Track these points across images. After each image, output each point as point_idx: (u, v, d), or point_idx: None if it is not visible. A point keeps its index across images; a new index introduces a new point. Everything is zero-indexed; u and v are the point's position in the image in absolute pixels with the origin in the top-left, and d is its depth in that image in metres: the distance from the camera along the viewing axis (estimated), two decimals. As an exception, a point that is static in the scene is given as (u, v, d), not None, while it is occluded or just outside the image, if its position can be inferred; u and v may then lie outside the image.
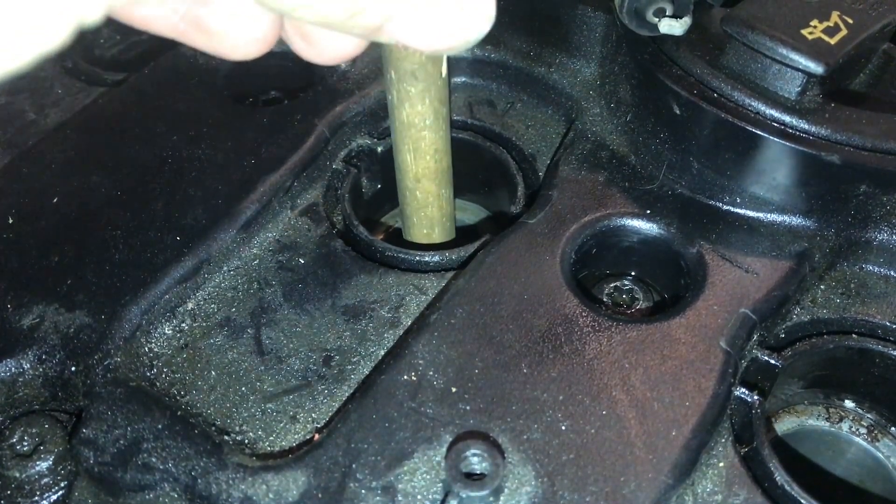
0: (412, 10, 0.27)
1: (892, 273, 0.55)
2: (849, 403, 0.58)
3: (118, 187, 0.56)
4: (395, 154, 0.56)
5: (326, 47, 0.32)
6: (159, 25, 0.29)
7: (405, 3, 0.27)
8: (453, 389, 0.45)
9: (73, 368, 0.47)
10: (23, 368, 0.48)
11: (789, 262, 0.53)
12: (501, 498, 0.41)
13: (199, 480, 0.42)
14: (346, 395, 0.48)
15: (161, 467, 0.43)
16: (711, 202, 0.56)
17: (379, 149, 0.63)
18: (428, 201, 0.57)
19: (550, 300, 0.50)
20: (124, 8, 0.28)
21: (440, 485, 0.41)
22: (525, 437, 0.43)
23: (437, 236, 0.60)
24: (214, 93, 0.63)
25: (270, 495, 0.41)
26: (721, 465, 0.45)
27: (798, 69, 0.51)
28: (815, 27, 0.52)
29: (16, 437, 0.45)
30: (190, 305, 0.52)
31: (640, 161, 0.59)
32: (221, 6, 0.29)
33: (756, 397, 0.48)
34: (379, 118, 0.64)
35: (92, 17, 0.22)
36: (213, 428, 0.46)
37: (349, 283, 0.53)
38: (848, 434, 0.57)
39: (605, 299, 0.57)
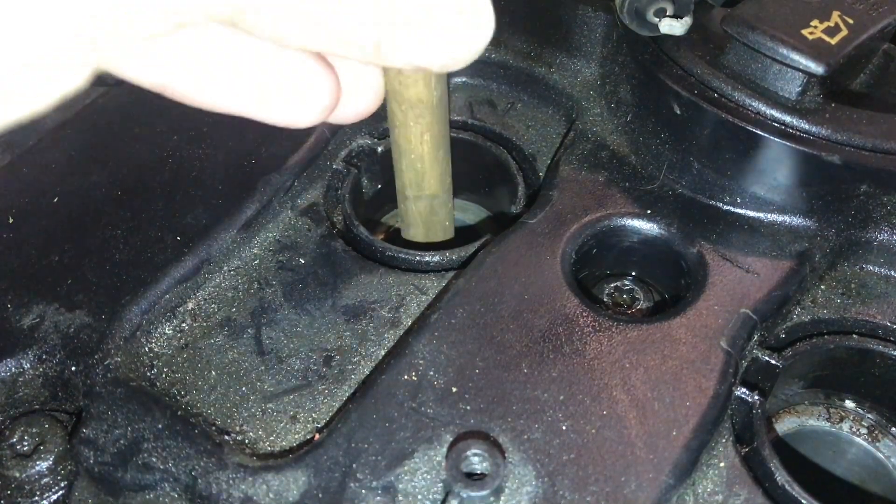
0: (404, 28, 0.25)
1: (892, 273, 0.55)
2: (849, 403, 0.58)
3: (118, 187, 0.56)
4: (405, 96, 0.52)
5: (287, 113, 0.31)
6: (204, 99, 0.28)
7: (395, 23, 0.25)
8: (454, 389, 0.45)
9: (73, 368, 0.47)
10: (23, 368, 0.48)
11: (790, 262, 0.53)
12: (502, 498, 0.41)
13: (200, 480, 0.42)
14: (347, 395, 0.48)
15: (161, 467, 0.43)
16: (712, 202, 0.56)
17: (379, 149, 0.63)
18: (444, 133, 0.53)
19: (551, 300, 0.50)
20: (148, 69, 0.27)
21: (441, 485, 0.41)
22: (525, 436, 0.43)
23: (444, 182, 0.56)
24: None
25: (270, 495, 0.41)
26: (722, 465, 0.45)
27: (798, 69, 0.51)
28: (815, 27, 0.52)
29: (16, 436, 0.45)
30: (190, 305, 0.52)
31: (641, 161, 0.59)
32: (294, 70, 0.27)
33: (756, 397, 0.48)
34: (379, 118, 0.64)
35: (108, 63, 0.22)
36: (214, 428, 0.46)
37: (349, 283, 0.53)
38: (848, 434, 0.57)
39: (605, 299, 0.57)
